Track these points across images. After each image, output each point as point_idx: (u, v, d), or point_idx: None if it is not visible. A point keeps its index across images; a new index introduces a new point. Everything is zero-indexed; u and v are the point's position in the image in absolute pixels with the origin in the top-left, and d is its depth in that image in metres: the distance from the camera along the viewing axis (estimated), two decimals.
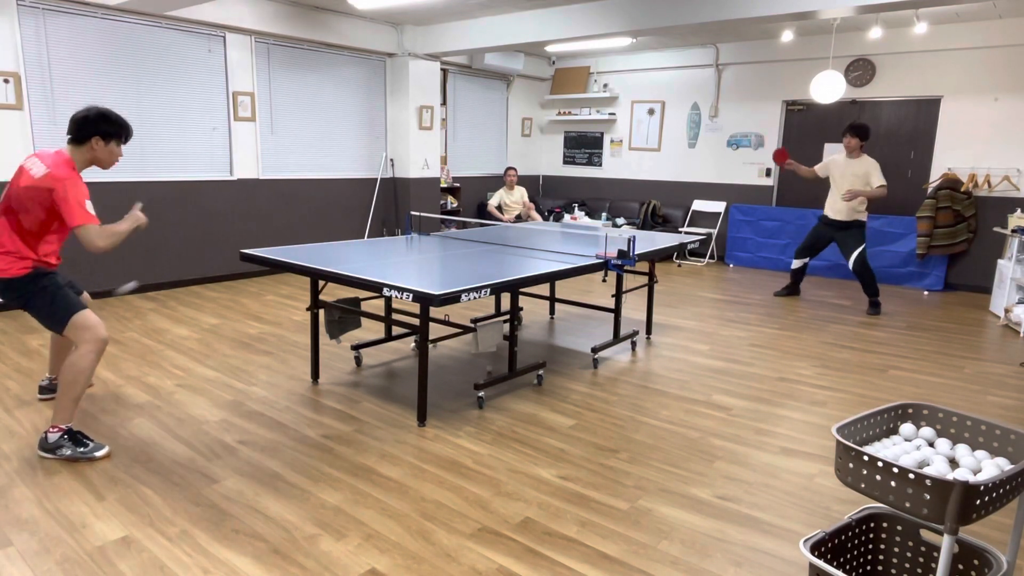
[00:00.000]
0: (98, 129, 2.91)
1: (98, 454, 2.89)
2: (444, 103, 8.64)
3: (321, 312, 4.82)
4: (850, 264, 5.98)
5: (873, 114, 7.57)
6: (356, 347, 4.27)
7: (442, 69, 8.50)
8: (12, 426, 3.18)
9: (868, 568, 1.96)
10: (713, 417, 3.51)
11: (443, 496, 2.64)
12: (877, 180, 5.77)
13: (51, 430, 2.88)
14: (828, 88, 6.29)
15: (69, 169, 2.82)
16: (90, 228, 2.79)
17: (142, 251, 6.06)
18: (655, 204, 8.77)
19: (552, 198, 9.95)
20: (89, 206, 2.83)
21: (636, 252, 4.12)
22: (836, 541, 1.84)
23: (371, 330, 5.00)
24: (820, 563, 1.66)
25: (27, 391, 3.62)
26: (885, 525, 1.93)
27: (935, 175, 7.17)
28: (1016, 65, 6.62)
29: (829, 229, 6.13)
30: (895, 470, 1.54)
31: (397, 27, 7.51)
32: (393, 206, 8.08)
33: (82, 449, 2.88)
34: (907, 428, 1.94)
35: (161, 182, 6.07)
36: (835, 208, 6.02)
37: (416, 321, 4.33)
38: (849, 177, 5.88)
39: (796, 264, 6.47)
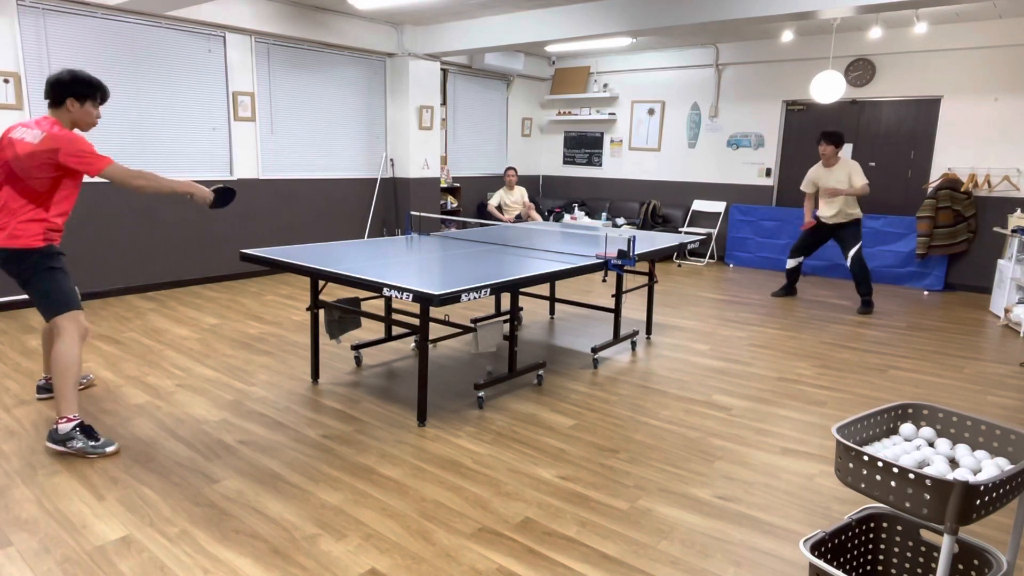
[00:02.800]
0: (72, 90, 2.95)
1: (108, 450, 2.90)
2: (444, 103, 8.64)
3: (321, 312, 4.82)
4: (848, 261, 6.03)
5: (873, 114, 7.57)
6: (356, 347, 4.27)
7: (442, 69, 8.50)
8: (12, 426, 3.18)
9: (868, 568, 1.96)
10: (713, 417, 3.51)
11: (443, 496, 2.64)
12: (859, 180, 5.86)
13: (60, 421, 2.89)
14: (828, 88, 6.29)
15: (60, 128, 2.90)
16: (114, 167, 2.88)
17: (143, 251, 6.06)
18: (655, 204, 8.77)
19: (552, 198, 9.95)
20: (95, 148, 2.91)
21: (636, 252, 4.12)
22: (836, 541, 1.84)
23: (371, 330, 5.00)
24: (820, 563, 1.66)
25: (27, 391, 3.62)
26: (885, 525, 1.93)
27: (935, 175, 7.17)
28: (1016, 65, 6.62)
29: (825, 229, 6.19)
30: (895, 470, 1.54)
31: (397, 27, 7.51)
32: (393, 206, 8.08)
33: (94, 443, 2.89)
34: (907, 428, 1.94)
35: None
36: (829, 213, 6.07)
37: (416, 321, 4.33)
38: (833, 184, 5.96)
39: (791, 263, 6.49)
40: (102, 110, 5.62)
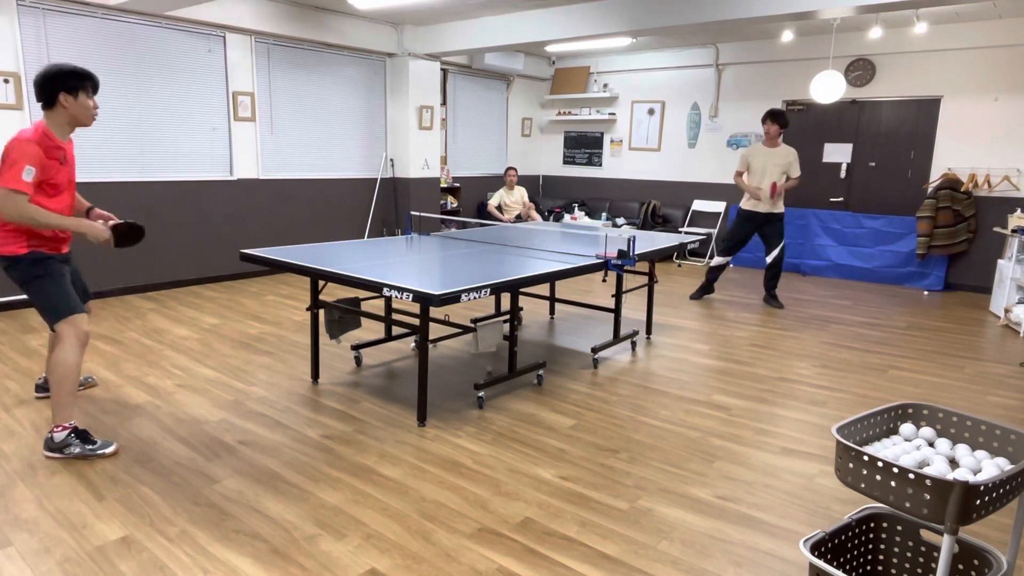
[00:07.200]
0: (62, 85, 2.82)
1: (107, 451, 2.89)
2: (444, 103, 8.64)
3: (321, 312, 4.82)
4: (770, 258, 5.99)
5: (873, 114, 7.57)
6: (356, 347, 4.27)
7: (442, 69, 8.50)
8: (12, 426, 3.18)
9: (868, 568, 1.96)
10: (713, 417, 3.51)
11: (443, 496, 2.64)
12: (796, 171, 5.86)
13: (55, 430, 2.88)
14: (828, 88, 6.29)
15: (31, 134, 2.76)
16: (7, 193, 2.66)
17: (143, 251, 6.06)
18: (655, 204, 8.77)
19: (552, 198, 9.95)
20: (26, 173, 2.69)
21: (636, 252, 4.12)
22: (836, 541, 1.84)
23: (371, 330, 5.00)
24: (820, 563, 1.66)
25: (27, 391, 3.62)
26: (885, 525, 1.93)
27: (935, 175, 7.17)
28: (1016, 65, 6.62)
29: (751, 224, 6.05)
30: (895, 470, 1.54)
31: (397, 27, 7.51)
32: (393, 206, 8.08)
33: (91, 446, 2.88)
34: (907, 428, 1.94)
35: (161, 182, 6.07)
36: (756, 200, 5.95)
37: (416, 321, 4.33)
38: (771, 168, 5.87)
39: (717, 262, 6.25)
40: (100, 110, 5.62)
